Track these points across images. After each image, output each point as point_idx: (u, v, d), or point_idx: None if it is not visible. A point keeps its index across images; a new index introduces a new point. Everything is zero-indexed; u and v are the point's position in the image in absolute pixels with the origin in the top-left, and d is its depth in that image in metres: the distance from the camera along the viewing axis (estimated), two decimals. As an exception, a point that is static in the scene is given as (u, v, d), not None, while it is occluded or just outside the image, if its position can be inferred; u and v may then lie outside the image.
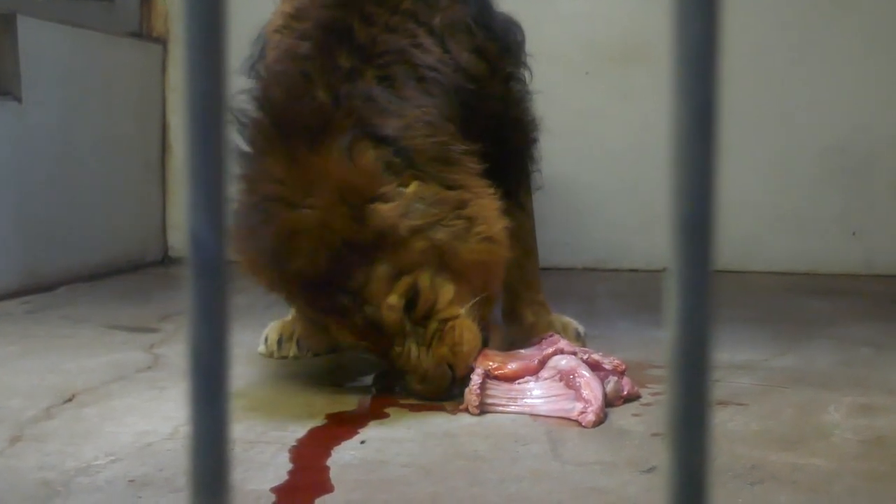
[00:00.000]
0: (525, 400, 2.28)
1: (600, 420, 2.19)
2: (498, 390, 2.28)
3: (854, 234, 4.75)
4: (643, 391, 2.43)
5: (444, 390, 2.34)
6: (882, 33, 4.70)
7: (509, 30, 2.86)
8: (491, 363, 2.31)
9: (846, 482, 1.81)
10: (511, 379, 2.31)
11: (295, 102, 2.28)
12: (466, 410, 2.26)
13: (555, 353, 2.34)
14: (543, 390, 2.28)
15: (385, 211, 2.22)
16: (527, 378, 2.33)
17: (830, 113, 4.73)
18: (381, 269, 2.23)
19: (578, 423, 2.18)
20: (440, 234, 2.28)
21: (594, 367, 2.34)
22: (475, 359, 2.34)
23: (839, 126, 4.73)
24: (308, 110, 2.26)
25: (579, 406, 2.21)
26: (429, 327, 2.31)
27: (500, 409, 2.27)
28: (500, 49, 2.71)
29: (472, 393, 2.25)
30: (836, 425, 2.19)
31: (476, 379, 2.26)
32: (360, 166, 2.22)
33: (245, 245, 2.26)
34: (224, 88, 0.48)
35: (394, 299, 2.26)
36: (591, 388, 2.24)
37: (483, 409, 2.26)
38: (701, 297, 0.48)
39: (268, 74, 2.46)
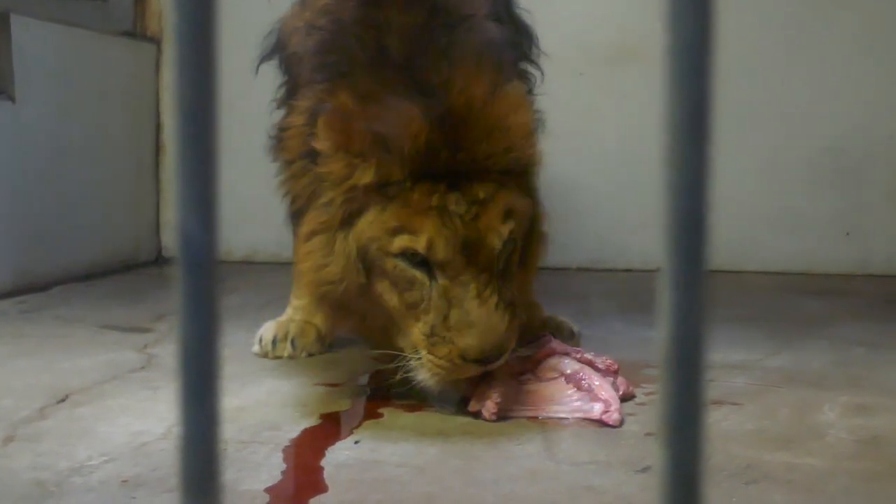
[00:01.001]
0: (540, 403, 2.25)
1: (622, 419, 2.19)
2: (510, 395, 2.25)
3: (847, 234, 4.75)
4: (637, 391, 2.43)
5: (461, 368, 2.16)
6: (877, 34, 4.70)
7: (528, 27, 2.92)
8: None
9: (841, 482, 1.81)
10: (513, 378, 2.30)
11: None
12: (479, 416, 2.19)
13: (547, 354, 2.34)
14: (554, 392, 2.27)
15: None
16: (529, 378, 2.31)
17: (825, 114, 4.73)
18: (505, 195, 2.19)
19: (602, 422, 2.17)
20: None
21: (587, 366, 2.34)
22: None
23: (834, 127, 4.73)
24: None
25: (599, 406, 2.20)
26: (504, 287, 2.19)
27: (514, 414, 2.23)
28: (527, 44, 2.78)
29: (490, 399, 2.20)
30: (831, 425, 2.19)
31: (486, 385, 2.22)
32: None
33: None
34: (214, 86, 0.48)
35: (504, 230, 2.18)
36: (605, 388, 2.24)
37: (501, 414, 2.20)
38: (694, 296, 0.48)
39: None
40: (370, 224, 2.17)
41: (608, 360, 2.36)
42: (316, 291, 2.32)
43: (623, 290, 4.24)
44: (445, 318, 2.13)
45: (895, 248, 4.70)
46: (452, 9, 2.45)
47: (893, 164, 4.71)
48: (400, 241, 2.13)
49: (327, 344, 2.92)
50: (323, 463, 1.92)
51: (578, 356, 2.35)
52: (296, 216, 2.42)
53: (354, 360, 2.84)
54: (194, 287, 0.47)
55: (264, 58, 2.91)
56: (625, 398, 2.34)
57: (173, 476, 1.80)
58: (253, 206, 4.75)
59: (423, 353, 2.17)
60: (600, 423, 2.17)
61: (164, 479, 1.79)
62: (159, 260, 5.08)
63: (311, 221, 2.25)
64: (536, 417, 2.22)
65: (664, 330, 0.49)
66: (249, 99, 4.74)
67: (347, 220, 2.20)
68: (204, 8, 0.47)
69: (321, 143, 2.17)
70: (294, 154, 2.36)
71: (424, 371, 2.18)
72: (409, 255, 2.15)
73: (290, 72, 2.71)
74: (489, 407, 2.18)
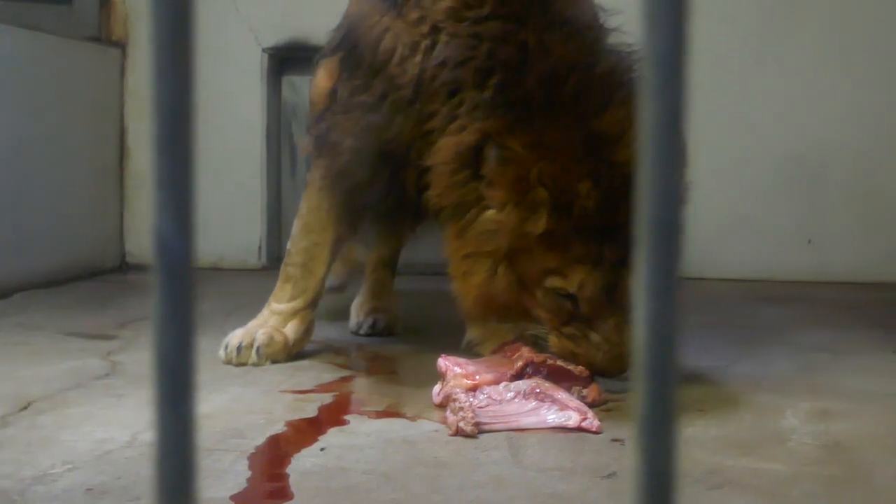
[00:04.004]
0: (516, 415, 2.24)
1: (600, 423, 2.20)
2: (481, 410, 2.24)
3: (809, 241, 4.80)
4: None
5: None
6: (839, 45, 4.76)
7: None
8: (466, 380, 2.30)
9: (804, 487, 1.83)
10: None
11: None
12: (457, 434, 2.15)
13: (525, 365, 2.34)
14: (521, 406, 2.26)
15: None
16: (493, 398, 2.30)
17: (787, 123, 4.78)
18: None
19: (582, 430, 2.17)
20: None
21: (560, 373, 2.35)
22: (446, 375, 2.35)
23: (796, 135, 4.78)
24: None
25: (575, 415, 2.20)
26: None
27: (491, 427, 2.21)
28: None
29: (466, 412, 2.18)
30: (794, 430, 2.21)
31: (465, 399, 2.21)
32: None
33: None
34: (191, 88, 0.48)
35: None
36: (570, 398, 2.25)
37: (479, 428, 2.18)
38: (667, 302, 0.48)
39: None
40: (530, 262, 2.44)
41: (580, 367, 2.37)
42: (478, 298, 2.54)
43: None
44: (585, 334, 2.44)
45: (856, 255, 4.75)
46: (583, 26, 2.60)
47: (855, 172, 4.77)
48: (553, 282, 2.43)
49: (293, 354, 2.91)
50: (288, 470, 1.91)
51: (551, 363, 2.36)
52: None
53: (319, 367, 2.84)
54: (170, 291, 0.47)
55: (333, 51, 2.88)
56: (597, 404, 2.35)
57: (138, 484, 1.80)
58: (219, 213, 4.75)
59: (552, 338, 2.49)
60: (579, 430, 2.17)
61: (129, 488, 1.78)
62: (123, 266, 5.04)
63: (472, 244, 2.49)
64: (513, 430, 2.21)
65: (638, 335, 0.50)
66: (216, 105, 4.75)
67: (511, 255, 2.45)
68: (181, 13, 0.47)
69: (494, 193, 2.42)
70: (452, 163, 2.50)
71: (552, 348, 2.48)
72: (559, 291, 2.44)
73: (377, 73, 2.63)
74: (468, 418, 2.16)
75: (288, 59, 5.05)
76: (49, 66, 4.44)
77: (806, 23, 4.77)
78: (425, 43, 2.53)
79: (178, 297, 0.47)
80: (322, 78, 3.09)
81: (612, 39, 2.63)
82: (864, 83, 4.74)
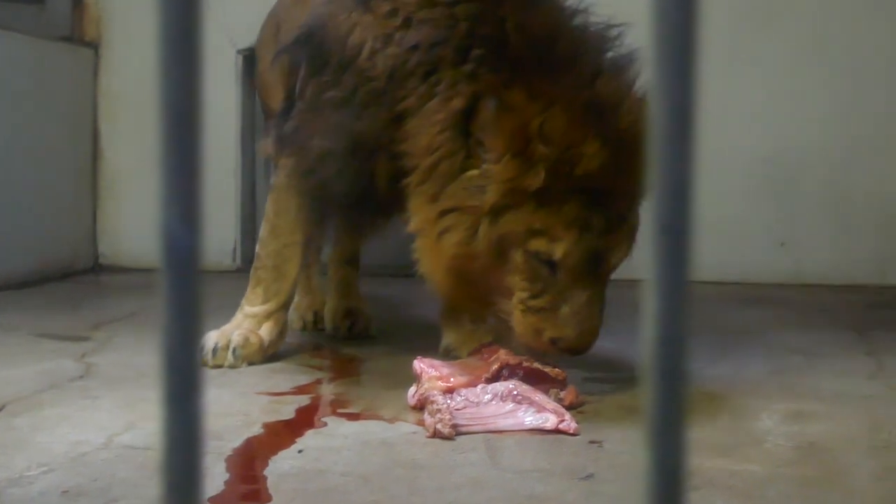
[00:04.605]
0: (493, 417, 2.24)
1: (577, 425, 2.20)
2: (459, 412, 2.23)
3: (783, 244, 4.83)
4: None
5: (546, 349, 2.43)
6: (811, 48, 4.79)
7: None
8: (441, 383, 2.30)
9: (780, 488, 1.84)
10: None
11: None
12: (434, 435, 2.14)
13: (501, 367, 2.34)
14: (498, 408, 2.26)
15: None
16: (470, 400, 2.29)
17: (761, 126, 4.81)
18: (634, 217, 2.45)
19: (560, 431, 2.17)
20: None
21: (536, 375, 2.35)
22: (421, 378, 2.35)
23: (770, 139, 4.81)
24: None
25: (552, 417, 2.20)
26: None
27: (469, 429, 2.20)
28: None
29: (444, 414, 2.17)
30: (769, 432, 2.22)
31: (443, 401, 2.21)
32: None
33: None
34: (199, 82, 0.48)
35: (627, 249, 2.45)
36: (547, 400, 2.25)
37: (456, 430, 2.17)
38: (678, 301, 0.48)
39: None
40: (516, 220, 2.35)
41: (556, 369, 2.38)
42: (452, 262, 2.46)
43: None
44: (555, 308, 2.37)
45: (828, 258, 4.79)
46: (558, 6, 2.59)
47: (829, 175, 4.80)
48: (538, 244, 2.35)
49: (269, 355, 2.90)
50: (266, 472, 1.90)
51: (527, 365, 2.36)
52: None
53: (295, 369, 2.83)
54: (177, 285, 0.47)
55: (291, 50, 2.86)
56: (573, 406, 2.35)
57: (114, 486, 1.79)
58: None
59: (517, 314, 2.42)
60: (557, 432, 2.18)
61: (106, 490, 1.77)
62: (96, 268, 5.01)
63: (452, 199, 2.42)
64: (491, 432, 2.21)
65: (647, 332, 0.50)
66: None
67: (497, 211, 2.36)
68: (189, 9, 0.47)
69: (492, 142, 2.34)
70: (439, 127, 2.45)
71: (516, 326, 2.43)
72: (541, 255, 2.35)
73: (346, 69, 2.63)
74: (446, 420, 2.16)
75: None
76: (21, 66, 4.40)
77: (781, 25, 4.80)
78: (399, 35, 2.54)
79: (186, 295, 0.47)
80: (276, 79, 3.09)
81: (585, 18, 2.62)
82: (839, 87, 4.78)
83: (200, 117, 0.47)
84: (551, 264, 2.35)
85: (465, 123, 2.40)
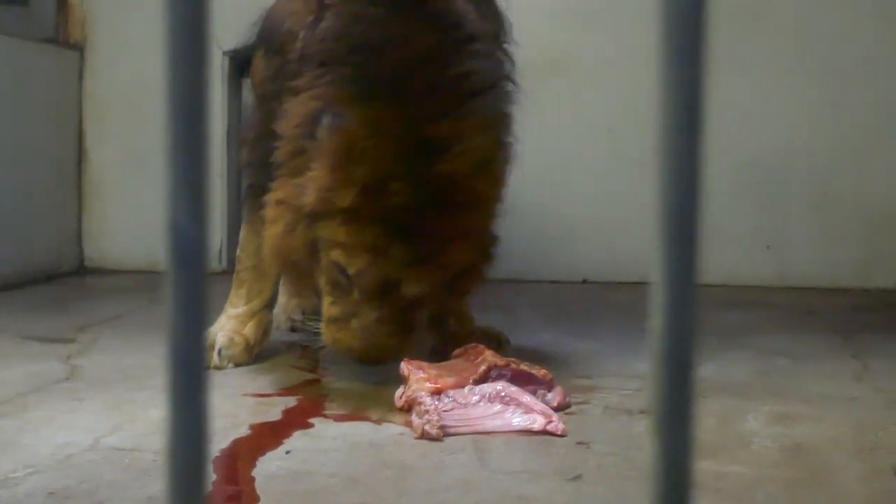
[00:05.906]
0: (481, 419, 2.24)
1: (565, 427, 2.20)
2: (447, 413, 2.23)
3: (769, 247, 4.85)
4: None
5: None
6: (797, 50, 4.80)
7: (503, 14, 3.01)
8: (429, 384, 2.30)
9: (767, 489, 1.85)
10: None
11: None
12: (423, 437, 2.15)
13: (489, 369, 2.34)
14: (486, 409, 2.26)
15: None
16: (458, 401, 2.29)
17: (747, 128, 4.82)
18: (447, 254, 2.54)
19: (548, 433, 2.17)
20: None
21: (523, 376, 2.35)
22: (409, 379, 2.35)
23: (755, 141, 4.82)
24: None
25: (540, 419, 2.20)
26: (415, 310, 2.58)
27: (456, 430, 2.20)
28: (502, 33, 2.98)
29: (432, 415, 2.17)
30: (756, 433, 2.23)
31: (430, 402, 2.21)
32: None
33: None
34: (204, 77, 0.48)
35: (425, 285, 2.51)
36: (535, 401, 2.25)
37: (444, 431, 2.17)
38: (686, 295, 0.49)
39: None
40: (326, 228, 2.48)
41: (543, 370, 2.38)
42: (275, 254, 2.64)
43: (549, 301, 4.27)
44: (347, 318, 2.51)
45: (814, 260, 4.80)
46: (460, 23, 2.63)
47: (813, 178, 4.81)
48: (338, 255, 2.48)
49: (255, 355, 2.90)
50: (254, 473, 1.90)
51: (514, 367, 2.36)
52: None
53: (282, 370, 2.83)
54: (183, 279, 0.47)
55: (251, 48, 2.95)
56: (561, 408, 2.36)
57: (102, 488, 1.78)
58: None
59: (322, 325, 2.58)
60: (545, 433, 2.17)
61: (93, 492, 1.76)
62: (81, 270, 4.99)
63: (285, 191, 2.57)
64: (479, 433, 2.21)
65: (655, 330, 0.50)
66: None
67: (313, 216, 2.49)
68: (197, 5, 0.46)
69: (320, 155, 2.47)
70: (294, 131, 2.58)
71: (324, 337, 2.58)
72: (340, 266, 2.49)
73: (284, 53, 2.76)
74: (434, 421, 2.15)
75: (248, 61, 5.01)
76: (5, 67, 4.38)
77: (767, 28, 4.81)
78: (311, 18, 2.62)
79: (193, 290, 0.46)
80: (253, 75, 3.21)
81: (496, 47, 2.77)
82: (825, 89, 4.79)
83: (207, 111, 0.47)
84: (349, 278, 2.49)
85: (314, 126, 2.51)
